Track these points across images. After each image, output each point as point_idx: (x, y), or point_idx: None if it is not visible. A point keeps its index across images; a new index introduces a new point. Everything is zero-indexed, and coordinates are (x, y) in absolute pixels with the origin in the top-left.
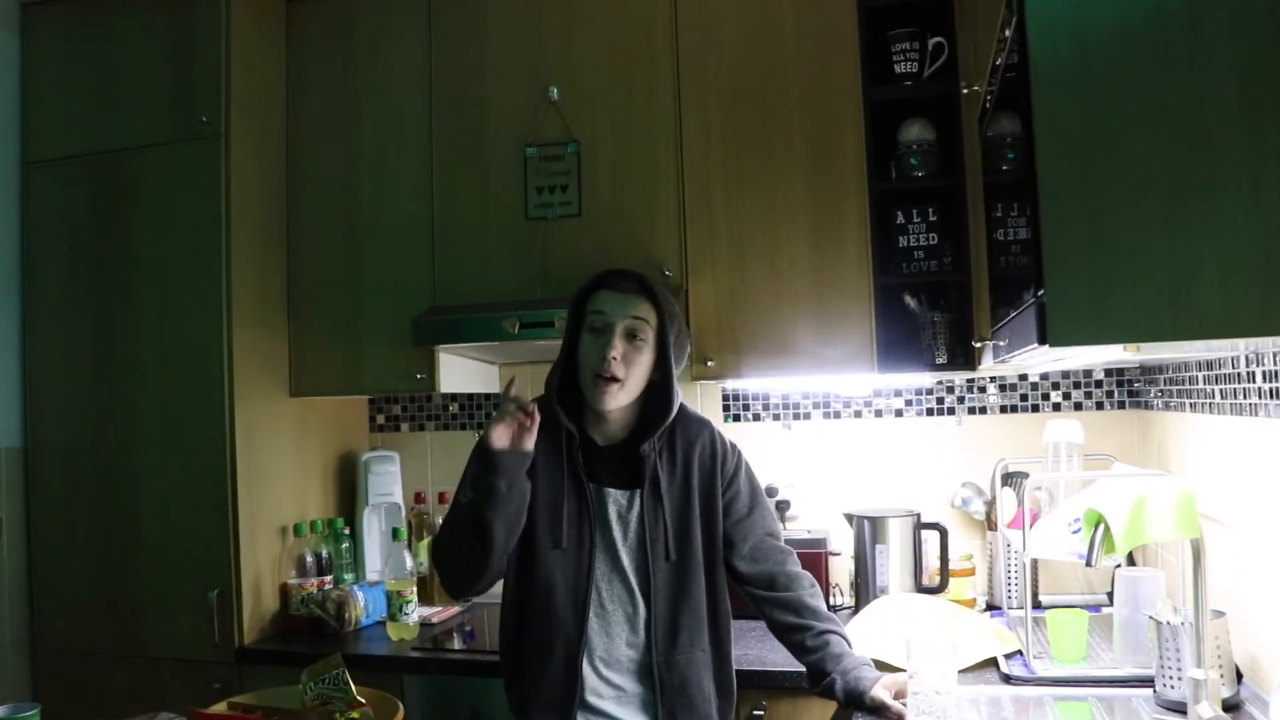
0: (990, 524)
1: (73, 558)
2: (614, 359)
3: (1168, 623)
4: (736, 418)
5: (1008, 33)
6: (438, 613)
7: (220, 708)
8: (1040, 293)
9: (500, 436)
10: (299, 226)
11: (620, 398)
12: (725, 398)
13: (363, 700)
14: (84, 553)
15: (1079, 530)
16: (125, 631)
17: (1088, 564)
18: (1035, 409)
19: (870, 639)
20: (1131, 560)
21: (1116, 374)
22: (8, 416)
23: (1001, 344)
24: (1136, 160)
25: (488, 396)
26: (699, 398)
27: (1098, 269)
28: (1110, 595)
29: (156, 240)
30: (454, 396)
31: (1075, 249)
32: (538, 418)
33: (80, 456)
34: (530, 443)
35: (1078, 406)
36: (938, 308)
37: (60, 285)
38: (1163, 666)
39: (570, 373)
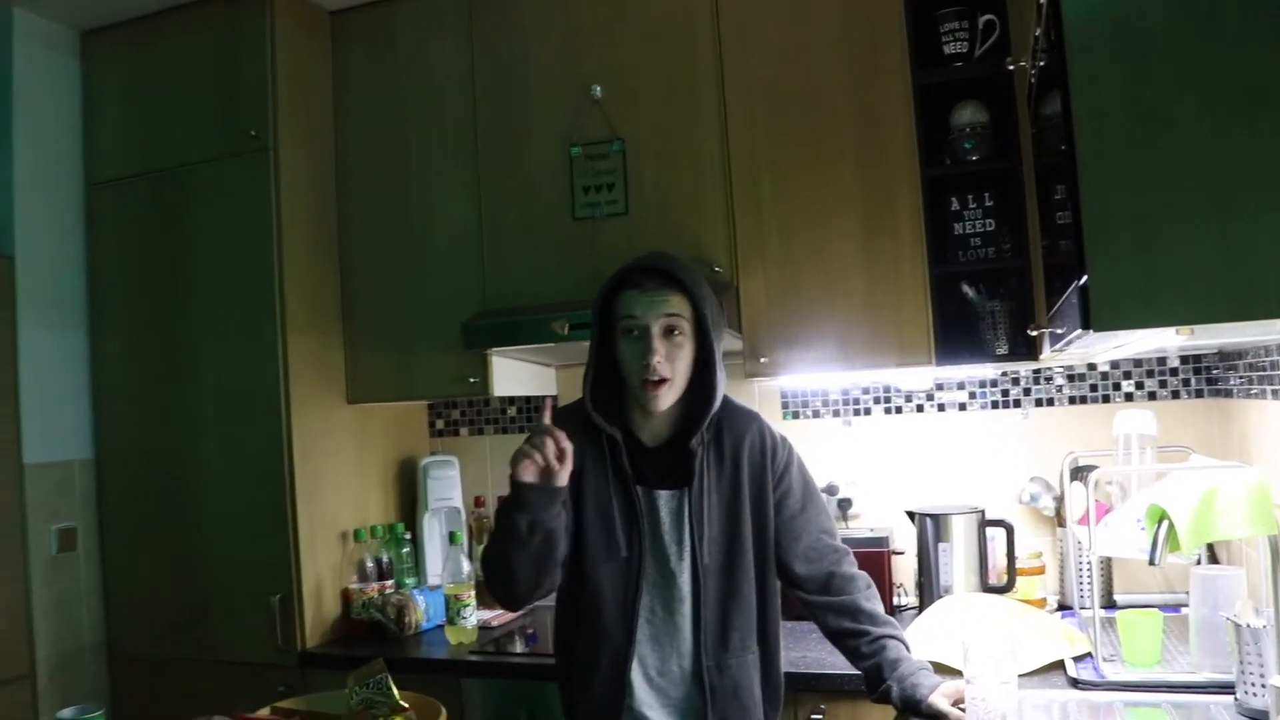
0: (1060, 520)
1: (143, 565)
2: (658, 362)
3: (1248, 625)
4: (795, 415)
5: (1038, 33)
6: (496, 616)
7: (263, 713)
8: (1083, 276)
9: (526, 471)
10: (349, 234)
11: (671, 395)
12: (783, 395)
13: (405, 704)
14: (153, 560)
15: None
16: (193, 636)
17: (1150, 562)
18: (1106, 399)
19: (933, 641)
20: (1214, 557)
21: (1193, 361)
22: (80, 429)
23: (1058, 331)
24: (1183, 133)
25: (545, 397)
26: (756, 396)
27: (1144, 248)
28: None
29: (212, 254)
30: (511, 400)
31: (1119, 228)
32: (570, 451)
33: (147, 467)
34: (563, 478)
35: (1151, 396)
36: (997, 296)
37: (123, 301)
38: (1243, 672)
39: (603, 373)
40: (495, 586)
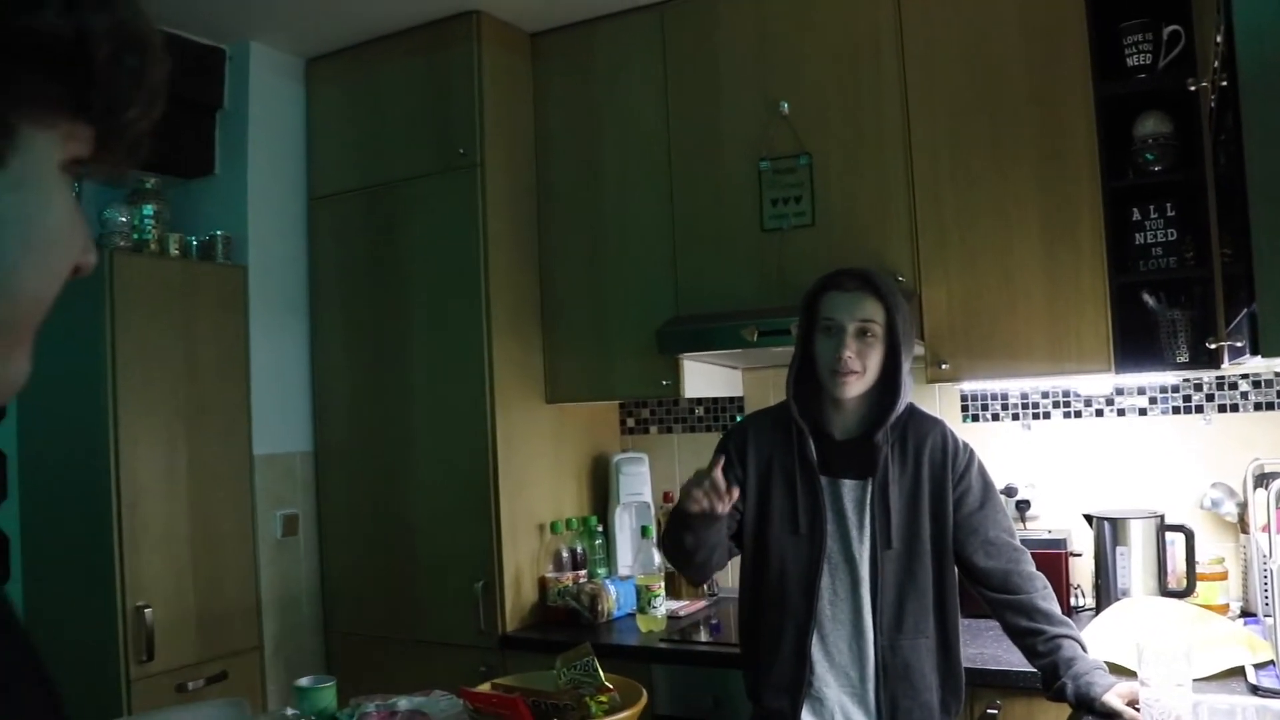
0: (1243, 527)
1: (356, 551)
2: (849, 356)
3: None
4: (975, 418)
5: (1218, 39)
6: (684, 606)
7: (485, 688)
8: (1252, 304)
9: (693, 503)
10: (549, 243)
11: (858, 386)
12: (963, 398)
13: (610, 685)
14: (365, 546)
15: None
16: (402, 618)
17: None
18: None
19: (1109, 642)
20: None
21: None
22: (300, 425)
23: (1238, 345)
24: None
25: (731, 400)
26: (937, 399)
27: None
28: None
29: (423, 262)
30: (699, 400)
31: None
32: (733, 497)
33: (360, 460)
34: (722, 510)
35: None
36: (1178, 305)
37: (340, 306)
38: None
39: (805, 369)
40: (677, 562)
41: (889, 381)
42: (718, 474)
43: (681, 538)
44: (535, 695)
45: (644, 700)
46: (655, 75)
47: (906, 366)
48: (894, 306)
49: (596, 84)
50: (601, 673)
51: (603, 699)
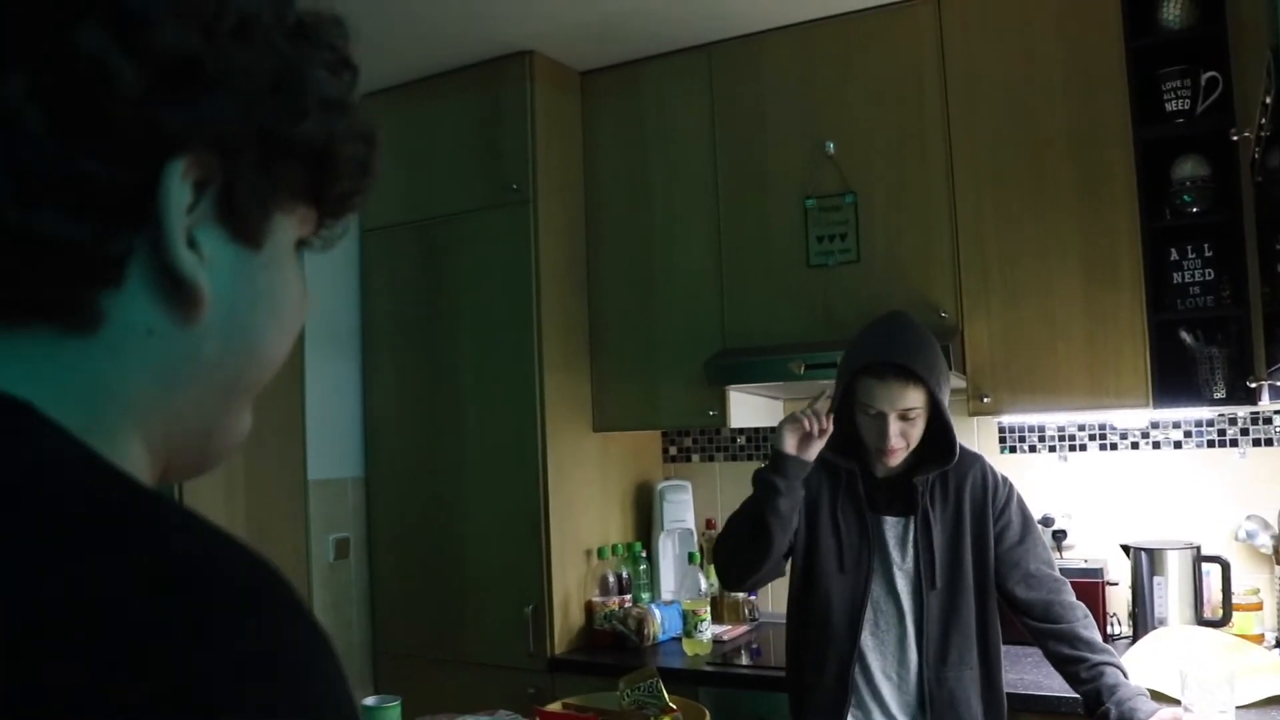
0: (1279, 558)
1: (407, 574)
2: (895, 439)
3: None
4: (1012, 449)
5: (1268, 99)
6: (728, 630)
7: (556, 707)
8: None
9: (789, 442)
10: (598, 277)
11: (902, 456)
12: (1001, 430)
13: (674, 706)
14: (415, 569)
15: None
16: (451, 639)
17: None
18: None
19: (1147, 670)
20: None
21: None
22: (352, 450)
23: (1278, 384)
24: None
25: (772, 429)
26: (975, 430)
27: None
28: None
29: (474, 294)
30: (741, 430)
31: None
32: (829, 431)
33: (412, 485)
34: (813, 453)
35: None
36: (1215, 342)
37: (392, 335)
38: None
39: (844, 414)
40: (735, 559)
41: (936, 434)
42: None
43: (758, 514)
44: (606, 716)
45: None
46: (702, 114)
47: (951, 423)
48: (936, 386)
49: (645, 122)
50: (666, 694)
51: (666, 719)
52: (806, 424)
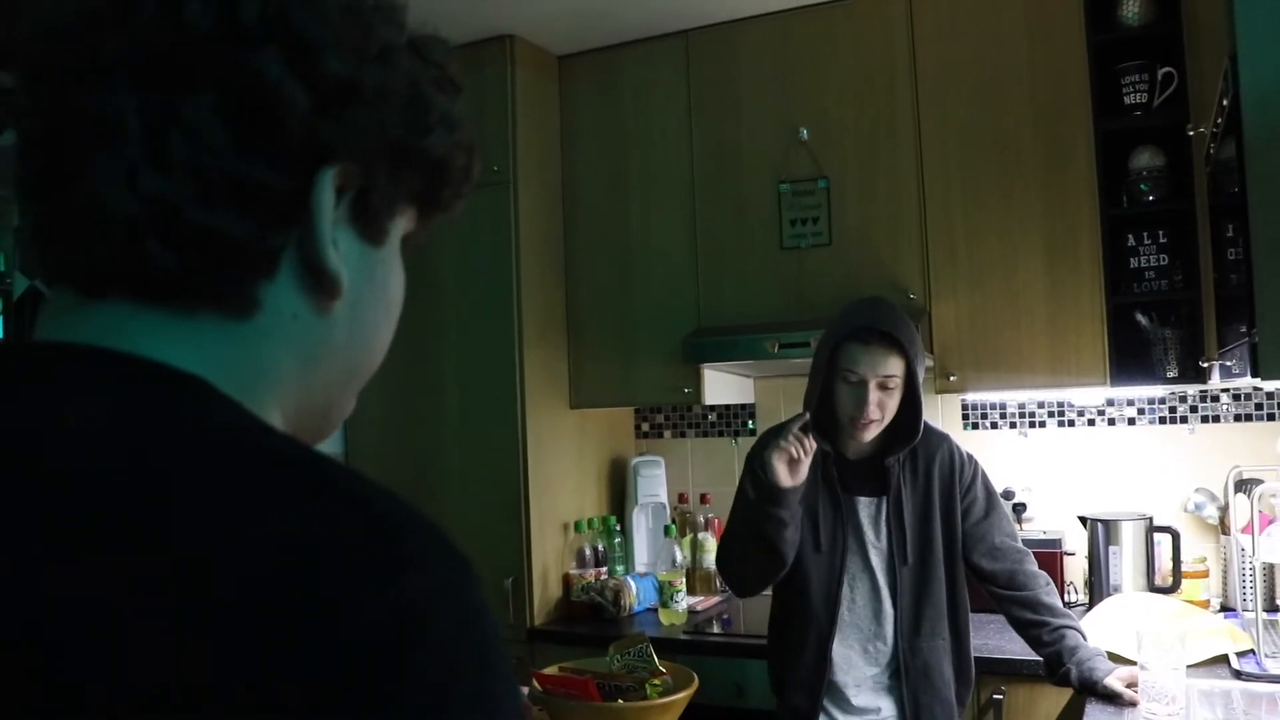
0: (1224, 529)
1: None
2: (871, 410)
3: None
4: (975, 426)
5: (1225, 102)
6: (701, 601)
7: (553, 670)
8: (1253, 331)
9: (782, 473)
10: (576, 257)
11: (876, 430)
12: (964, 407)
13: (663, 670)
14: None
15: None
16: None
17: None
18: (1271, 418)
19: (1103, 633)
20: None
21: None
22: None
23: (1229, 364)
24: None
25: (743, 406)
26: (940, 407)
27: None
28: None
29: (456, 274)
30: (712, 406)
31: None
32: (813, 450)
33: (393, 463)
34: (804, 473)
35: None
36: (1168, 324)
37: None
38: None
39: (822, 399)
40: (750, 577)
41: (905, 414)
42: (806, 439)
43: (771, 544)
44: (601, 678)
45: (695, 684)
46: (679, 98)
47: (922, 402)
48: (914, 358)
49: (622, 105)
50: (656, 658)
51: (656, 682)
52: (793, 450)
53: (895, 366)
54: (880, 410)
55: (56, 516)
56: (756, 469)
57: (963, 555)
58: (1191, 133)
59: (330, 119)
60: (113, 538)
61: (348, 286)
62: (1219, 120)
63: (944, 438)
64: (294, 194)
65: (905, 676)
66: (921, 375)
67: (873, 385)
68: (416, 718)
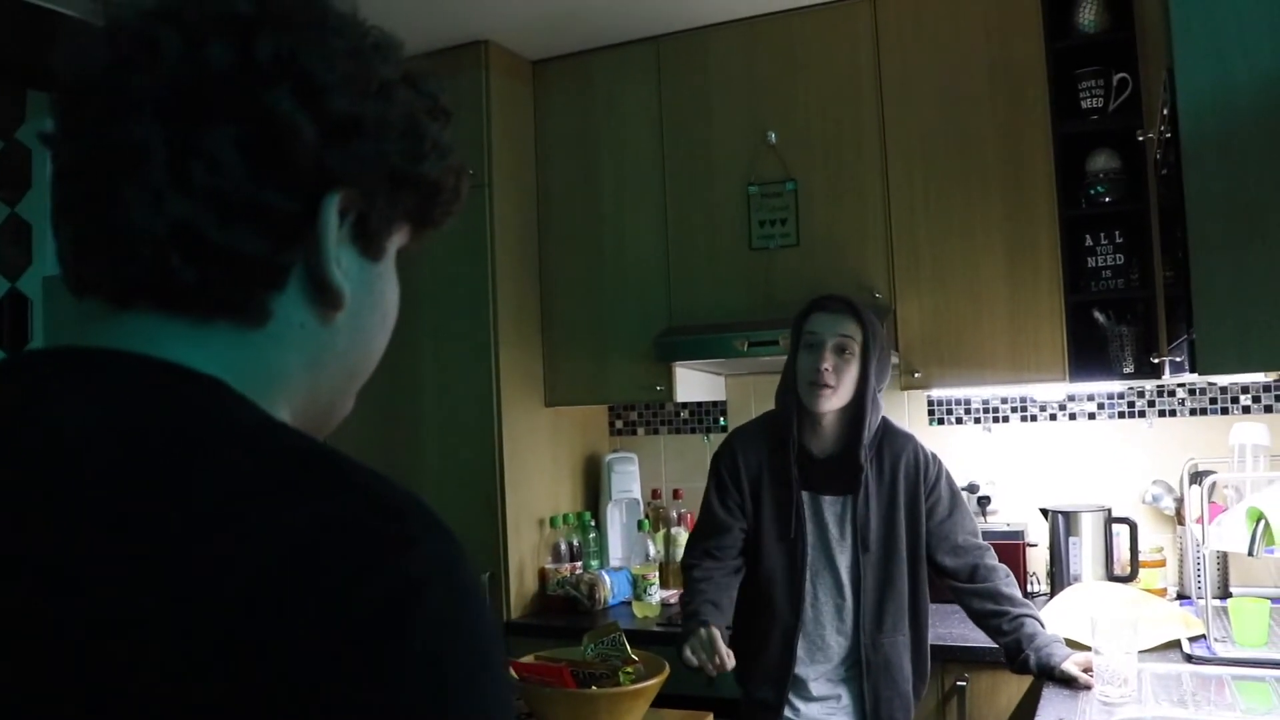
0: (1179, 519)
1: None
2: (826, 369)
3: None
4: (940, 421)
5: (1165, 110)
6: (673, 595)
7: (529, 659)
8: (1191, 330)
9: (689, 658)
10: (549, 258)
11: (833, 401)
12: (930, 403)
13: (635, 658)
14: None
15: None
16: None
17: (1249, 554)
18: (1224, 411)
19: (1063, 621)
20: None
21: None
22: None
23: (1177, 360)
24: (1275, 223)
25: (715, 404)
26: (906, 404)
27: (1239, 311)
28: None
29: (433, 276)
30: (684, 404)
31: (1220, 295)
32: (728, 667)
33: (370, 459)
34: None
35: (1268, 409)
36: (1125, 321)
37: None
38: None
39: (791, 386)
40: None
41: (860, 402)
42: (719, 645)
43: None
44: (575, 665)
45: (667, 671)
46: (650, 103)
47: (879, 388)
48: (870, 329)
49: (595, 109)
50: (629, 647)
51: (629, 669)
52: (709, 669)
53: (852, 330)
54: (836, 376)
55: (93, 506)
56: (723, 470)
57: (926, 553)
58: (1141, 138)
59: (336, 149)
60: (147, 524)
61: (349, 298)
62: (1162, 128)
63: (909, 438)
64: (302, 216)
65: (866, 670)
66: (875, 356)
67: (830, 346)
68: (418, 673)
